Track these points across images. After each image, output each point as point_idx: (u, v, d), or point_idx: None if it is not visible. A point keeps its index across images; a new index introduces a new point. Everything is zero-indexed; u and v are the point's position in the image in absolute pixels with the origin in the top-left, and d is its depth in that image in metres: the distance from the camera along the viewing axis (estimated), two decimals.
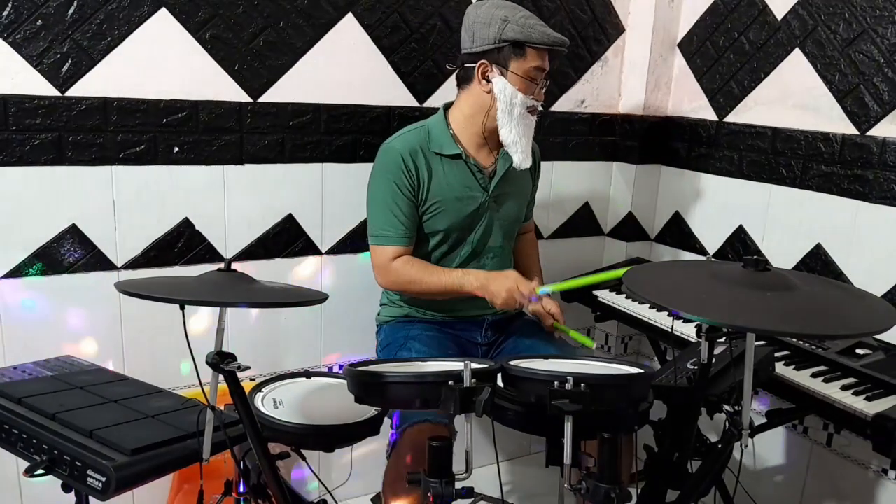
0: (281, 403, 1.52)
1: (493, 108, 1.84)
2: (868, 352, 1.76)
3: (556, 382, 1.23)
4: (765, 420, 1.84)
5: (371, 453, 2.15)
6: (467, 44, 1.84)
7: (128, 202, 1.88)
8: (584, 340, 1.84)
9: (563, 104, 2.49)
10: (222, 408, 1.37)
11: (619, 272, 1.76)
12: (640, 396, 1.39)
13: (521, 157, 1.86)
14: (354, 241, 2.20)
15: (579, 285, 1.94)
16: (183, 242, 1.97)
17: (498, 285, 1.80)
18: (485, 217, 1.94)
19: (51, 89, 1.74)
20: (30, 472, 1.23)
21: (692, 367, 1.61)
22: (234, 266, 1.35)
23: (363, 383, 1.30)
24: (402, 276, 1.86)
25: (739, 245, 2.33)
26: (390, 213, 1.85)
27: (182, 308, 1.25)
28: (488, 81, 1.83)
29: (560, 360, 1.60)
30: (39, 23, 1.70)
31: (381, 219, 1.86)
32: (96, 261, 1.87)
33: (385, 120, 2.16)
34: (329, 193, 2.14)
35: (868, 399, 1.55)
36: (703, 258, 2.46)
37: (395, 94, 2.17)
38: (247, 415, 1.30)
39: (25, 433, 1.28)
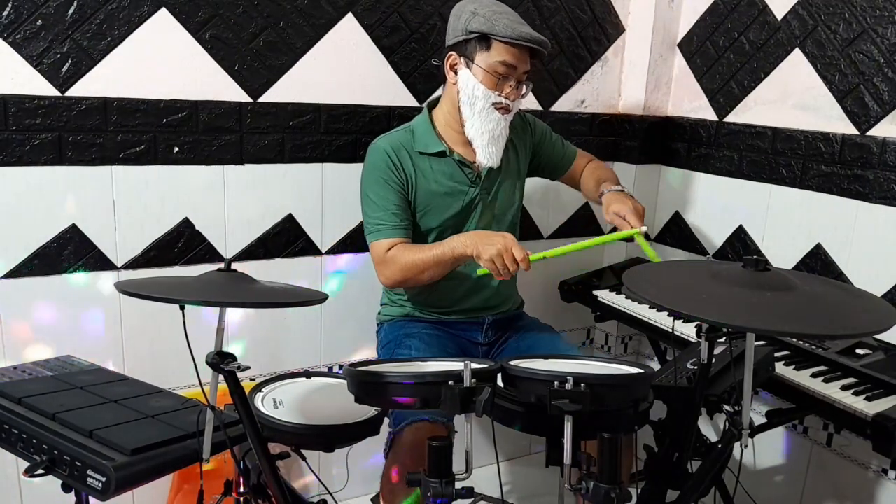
0: (281, 403, 1.52)
1: (459, 102, 1.84)
2: (868, 352, 1.76)
3: (556, 382, 1.23)
4: (765, 420, 1.84)
5: (371, 453, 2.15)
6: (447, 38, 1.86)
7: (128, 202, 1.88)
8: (652, 254, 1.72)
9: (563, 104, 2.49)
10: (222, 408, 1.37)
11: (622, 234, 1.73)
12: (640, 396, 1.39)
13: (482, 153, 1.85)
14: (354, 241, 2.20)
15: (576, 249, 1.73)
16: (183, 242, 1.97)
17: (488, 242, 1.66)
18: (478, 209, 1.93)
19: (51, 89, 1.74)
20: (30, 472, 1.23)
21: (692, 367, 1.61)
22: (234, 266, 1.35)
23: (363, 383, 1.30)
24: (399, 262, 1.80)
25: (739, 245, 2.33)
26: (381, 207, 1.84)
27: (182, 308, 1.25)
28: (456, 74, 1.83)
29: (560, 360, 1.60)
30: (39, 23, 1.70)
31: (375, 214, 1.85)
32: (96, 261, 1.87)
33: (385, 120, 2.16)
34: (329, 193, 2.14)
35: (868, 399, 1.55)
36: (703, 258, 2.46)
37: (395, 94, 2.17)
38: (247, 415, 1.30)
39: (25, 433, 1.28)
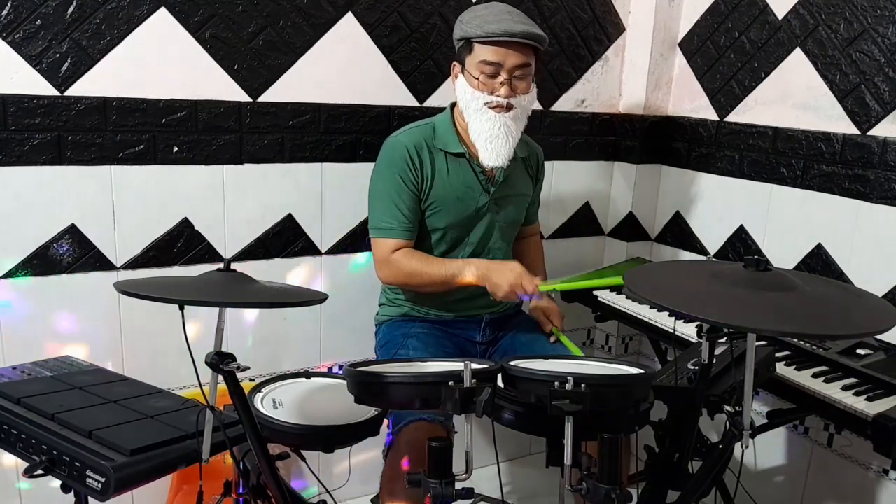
0: (280, 404, 1.52)
1: (462, 108, 1.85)
2: (869, 352, 1.76)
3: (556, 383, 1.22)
4: (765, 420, 1.84)
5: (371, 453, 2.15)
6: None
7: (127, 202, 1.88)
8: (574, 349, 1.85)
9: (564, 104, 2.49)
10: (222, 408, 1.36)
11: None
12: (640, 397, 1.39)
13: (483, 154, 1.83)
14: (354, 241, 2.20)
15: (583, 286, 1.88)
16: (182, 242, 1.97)
17: (500, 278, 1.77)
18: (485, 218, 1.93)
19: (50, 89, 1.74)
20: (29, 473, 1.23)
21: (693, 367, 1.60)
22: (234, 266, 1.35)
23: (363, 383, 1.30)
24: (403, 269, 1.84)
25: (740, 245, 2.33)
26: (393, 206, 1.84)
27: (181, 308, 1.24)
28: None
29: (560, 360, 1.60)
30: (39, 22, 1.70)
31: (384, 211, 1.85)
32: (95, 261, 1.87)
33: (385, 120, 2.15)
34: (329, 193, 2.13)
35: (869, 399, 1.55)
36: (703, 258, 2.45)
37: (395, 93, 2.17)
38: (246, 415, 1.30)
39: (25, 433, 1.28)
